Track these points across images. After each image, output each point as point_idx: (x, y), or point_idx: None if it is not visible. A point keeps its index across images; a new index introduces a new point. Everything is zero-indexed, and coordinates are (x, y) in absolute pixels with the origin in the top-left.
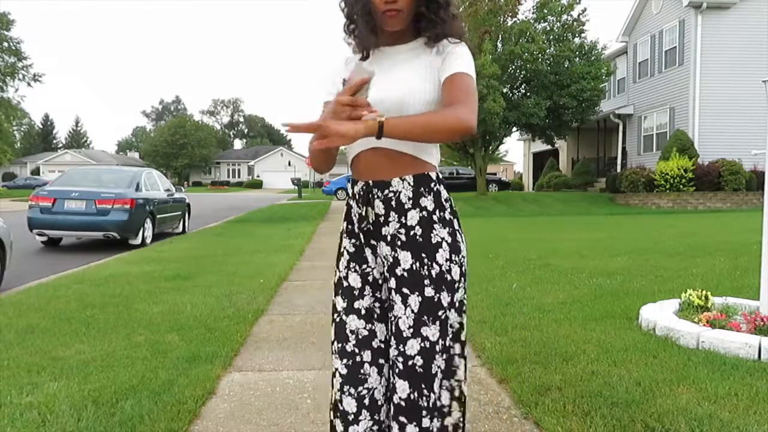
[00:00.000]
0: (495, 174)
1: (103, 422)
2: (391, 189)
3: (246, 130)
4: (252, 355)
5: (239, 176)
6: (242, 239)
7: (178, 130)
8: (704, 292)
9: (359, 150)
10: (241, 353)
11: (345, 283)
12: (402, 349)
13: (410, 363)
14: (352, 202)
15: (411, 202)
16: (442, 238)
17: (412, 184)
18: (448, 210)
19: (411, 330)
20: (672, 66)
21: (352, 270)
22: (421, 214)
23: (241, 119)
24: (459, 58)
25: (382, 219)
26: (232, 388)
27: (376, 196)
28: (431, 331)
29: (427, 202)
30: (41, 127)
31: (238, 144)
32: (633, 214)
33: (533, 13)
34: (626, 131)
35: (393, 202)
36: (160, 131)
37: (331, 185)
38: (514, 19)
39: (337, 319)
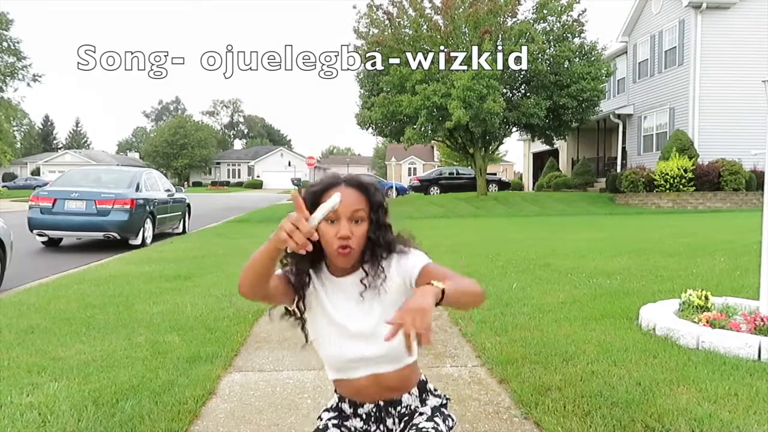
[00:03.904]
0: (495, 174)
1: (103, 422)
2: (403, 405)
3: (246, 131)
4: (252, 356)
5: (239, 176)
6: (242, 239)
7: (178, 131)
8: (704, 292)
9: (359, 375)
10: (242, 353)
11: None
12: None
13: None
14: (354, 420)
15: (420, 406)
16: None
17: (417, 394)
18: (446, 402)
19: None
20: (672, 66)
21: None
22: (431, 409)
23: (241, 119)
24: (414, 257)
25: (394, 427)
26: (232, 388)
27: (389, 415)
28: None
29: (433, 401)
30: (41, 127)
31: (238, 144)
32: (633, 214)
33: (533, 13)
34: (626, 131)
35: (406, 417)
36: (160, 131)
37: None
38: (514, 20)
39: None
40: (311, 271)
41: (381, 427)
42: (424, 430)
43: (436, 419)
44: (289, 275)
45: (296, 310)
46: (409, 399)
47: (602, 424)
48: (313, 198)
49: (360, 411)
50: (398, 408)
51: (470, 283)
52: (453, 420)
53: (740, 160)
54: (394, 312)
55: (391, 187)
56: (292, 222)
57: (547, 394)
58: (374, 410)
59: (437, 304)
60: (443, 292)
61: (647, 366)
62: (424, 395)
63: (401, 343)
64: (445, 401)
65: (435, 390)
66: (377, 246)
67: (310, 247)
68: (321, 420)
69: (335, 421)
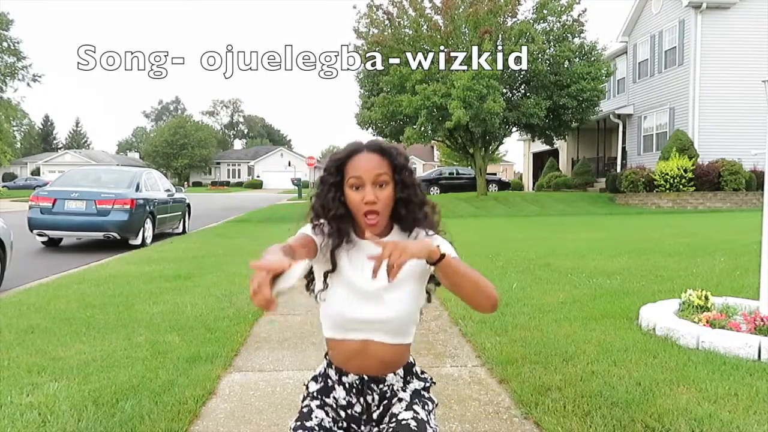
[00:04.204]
0: (495, 174)
1: (103, 422)
2: (386, 384)
3: (246, 131)
4: (252, 356)
5: (239, 176)
6: (242, 239)
7: (178, 131)
8: (704, 292)
9: (351, 338)
10: (242, 353)
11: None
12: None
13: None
14: (338, 389)
15: (402, 390)
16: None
17: (402, 375)
18: (429, 384)
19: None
20: (672, 66)
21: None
22: (411, 394)
23: (241, 119)
24: (443, 243)
25: (373, 407)
26: (232, 388)
27: (371, 390)
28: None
29: (415, 384)
30: (41, 127)
31: (238, 144)
32: (633, 214)
33: (533, 13)
34: (626, 131)
35: (387, 394)
36: (160, 131)
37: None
38: (514, 20)
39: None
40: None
41: (361, 400)
42: (404, 422)
43: (415, 407)
44: (323, 236)
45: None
46: (393, 378)
47: (602, 424)
48: (338, 166)
49: (344, 380)
50: (380, 386)
51: (485, 281)
52: (433, 402)
53: (740, 160)
54: (411, 282)
55: None
56: (254, 287)
57: (547, 394)
58: (357, 382)
59: (432, 263)
60: (443, 256)
61: (647, 366)
62: (408, 377)
63: (405, 316)
64: (428, 384)
65: (422, 373)
66: (408, 203)
67: (273, 308)
68: (307, 390)
69: (318, 402)
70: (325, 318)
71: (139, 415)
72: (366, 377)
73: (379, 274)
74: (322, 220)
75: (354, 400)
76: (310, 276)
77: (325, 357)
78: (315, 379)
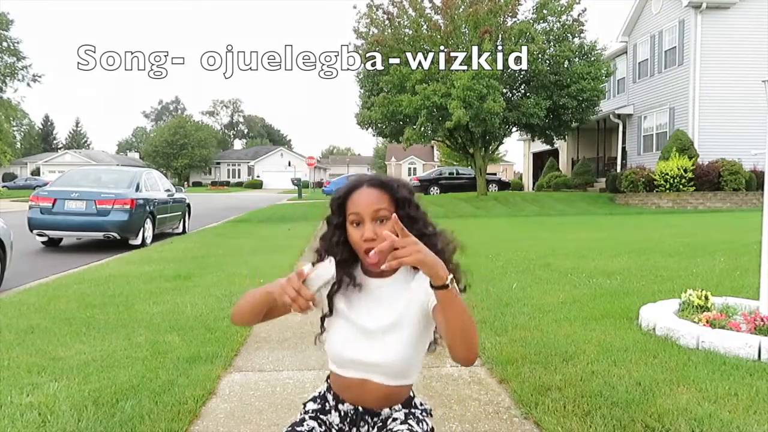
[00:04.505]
0: (495, 174)
1: (103, 422)
2: (381, 417)
3: (246, 131)
4: (252, 356)
5: (239, 176)
6: (242, 239)
7: (178, 131)
8: (704, 292)
9: (350, 375)
10: (241, 353)
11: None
12: None
13: None
14: (333, 414)
15: (399, 422)
16: None
17: (398, 409)
18: (427, 413)
19: None
20: (672, 66)
21: None
22: (406, 413)
23: (241, 119)
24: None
25: None
26: (232, 388)
27: (364, 421)
28: None
29: (414, 425)
30: (41, 127)
31: (238, 144)
32: (633, 214)
33: (533, 13)
34: (626, 131)
35: (379, 425)
36: (160, 132)
37: (331, 185)
38: (514, 20)
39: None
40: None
41: (354, 430)
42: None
43: (409, 421)
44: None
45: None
46: (389, 412)
47: (602, 424)
48: (338, 204)
49: (340, 407)
50: (374, 418)
51: (474, 331)
52: (428, 425)
53: (740, 160)
54: (413, 327)
55: None
56: (294, 288)
57: (547, 394)
58: (352, 412)
59: (434, 286)
60: (446, 286)
61: (647, 366)
62: (406, 410)
63: (400, 362)
64: (426, 413)
65: (421, 404)
66: (419, 237)
67: (312, 308)
68: (304, 408)
69: (312, 414)
70: (328, 352)
71: (139, 415)
72: (361, 409)
73: (381, 316)
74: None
75: (347, 429)
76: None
77: (327, 380)
78: (314, 399)
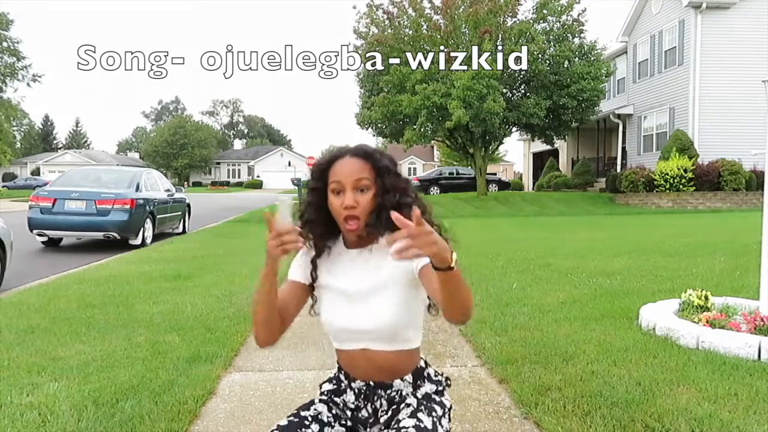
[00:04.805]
0: (495, 174)
1: (103, 422)
2: (393, 389)
3: (246, 130)
4: (252, 355)
5: (239, 176)
6: (242, 239)
7: (178, 131)
8: (704, 292)
9: (349, 347)
10: (241, 353)
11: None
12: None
13: None
14: (348, 392)
15: (411, 394)
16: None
17: (411, 381)
18: (443, 387)
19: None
20: (672, 66)
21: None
22: (419, 398)
23: (241, 119)
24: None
25: (381, 412)
26: (232, 388)
27: (378, 396)
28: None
29: (426, 388)
30: (41, 127)
31: (238, 144)
32: (633, 214)
33: (533, 13)
34: (626, 131)
35: (396, 399)
36: (160, 131)
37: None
38: (514, 20)
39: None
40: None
41: (369, 406)
42: (404, 430)
43: (419, 414)
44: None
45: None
46: (401, 384)
47: (602, 424)
48: (321, 171)
49: (353, 385)
50: (388, 391)
51: (469, 293)
52: (443, 406)
53: (740, 160)
54: (397, 288)
55: None
56: (273, 237)
57: (547, 394)
58: (364, 388)
59: (437, 268)
60: (451, 268)
61: (647, 366)
62: (419, 381)
63: (390, 324)
64: (443, 387)
65: (435, 375)
66: (384, 209)
67: (301, 244)
68: (320, 389)
69: (325, 397)
70: (325, 328)
71: (139, 415)
72: (372, 383)
73: (363, 279)
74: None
75: (362, 405)
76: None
77: (338, 361)
78: (330, 380)
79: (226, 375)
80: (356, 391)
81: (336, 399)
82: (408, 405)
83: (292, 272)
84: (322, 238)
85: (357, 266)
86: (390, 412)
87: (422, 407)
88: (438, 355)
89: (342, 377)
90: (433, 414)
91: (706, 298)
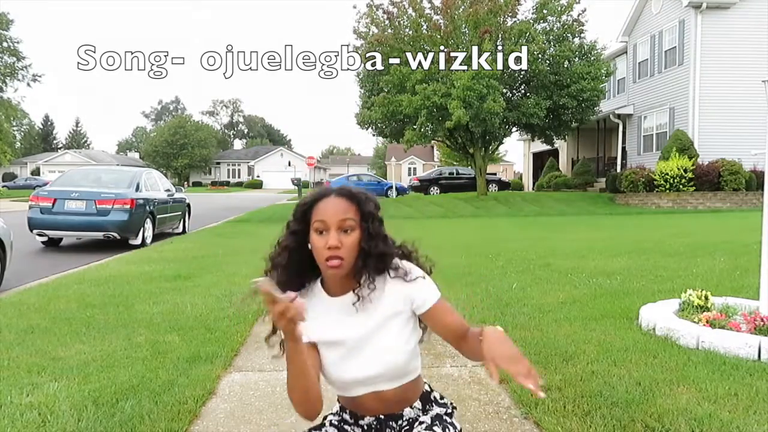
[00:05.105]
0: (495, 174)
1: (103, 422)
2: (404, 419)
3: (246, 130)
4: (252, 355)
5: (239, 176)
6: (242, 239)
7: (178, 131)
8: (704, 292)
9: (360, 393)
10: (242, 353)
11: None
12: None
13: None
14: (356, 430)
15: (420, 418)
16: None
17: (420, 407)
18: (451, 410)
19: None
20: (672, 66)
21: None
22: (432, 417)
23: (241, 119)
24: (426, 288)
25: None
26: (232, 388)
27: (390, 427)
28: None
29: (436, 410)
30: (41, 127)
31: (238, 144)
32: (633, 214)
33: (533, 13)
34: (626, 131)
35: (406, 427)
36: (160, 131)
37: (331, 185)
38: (514, 20)
39: None
40: (305, 289)
41: None
42: None
43: (435, 428)
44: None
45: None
46: (411, 412)
47: (602, 424)
48: (303, 211)
49: (360, 422)
50: (399, 421)
51: None
52: (455, 428)
53: (740, 160)
54: (397, 324)
55: (391, 187)
56: (277, 316)
57: (547, 394)
58: (374, 423)
59: None
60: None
61: (647, 366)
62: (427, 406)
63: (398, 363)
64: (450, 410)
65: (441, 399)
66: (369, 257)
67: (302, 307)
68: (324, 418)
69: (335, 423)
70: (325, 379)
71: (139, 415)
72: (383, 417)
73: (361, 324)
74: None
75: None
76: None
77: (338, 400)
78: (331, 423)
79: (226, 375)
80: (365, 427)
81: (346, 428)
82: (421, 422)
83: (308, 331)
84: (293, 285)
85: (349, 313)
86: None
87: (436, 423)
88: (438, 356)
89: (346, 417)
90: (447, 430)
91: (706, 298)
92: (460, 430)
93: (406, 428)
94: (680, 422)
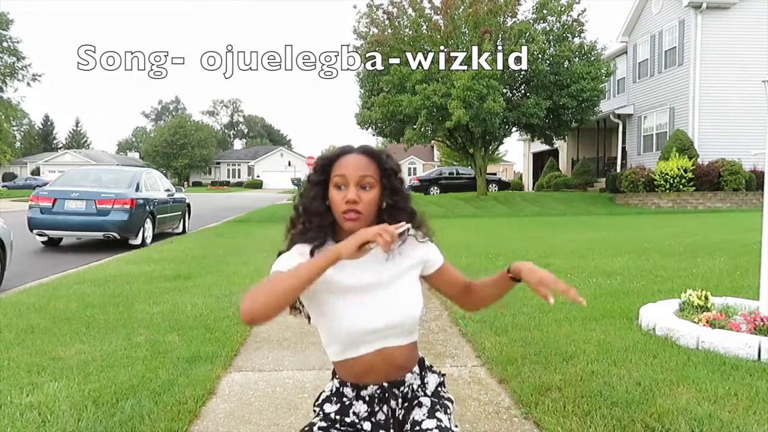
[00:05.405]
0: (495, 174)
1: (103, 422)
2: (406, 384)
3: (246, 130)
4: (252, 355)
5: (239, 176)
6: (242, 239)
7: (178, 131)
8: (704, 292)
9: (368, 350)
10: (241, 353)
11: None
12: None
13: None
14: (357, 403)
15: (421, 389)
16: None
17: (418, 372)
18: (443, 378)
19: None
20: (672, 66)
21: None
22: (431, 396)
23: (241, 119)
24: (436, 249)
25: (397, 411)
26: (232, 388)
27: (393, 396)
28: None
29: (431, 379)
30: (41, 127)
31: (238, 144)
32: (633, 214)
33: (533, 13)
34: (626, 131)
35: (409, 396)
36: (160, 131)
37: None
38: (514, 20)
39: None
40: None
41: (385, 408)
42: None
43: (438, 414)
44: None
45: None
46: (411, 378)
47: (602, 424)
48: (324, 165)
49: (363, 393)
50: (401, 388)
51: None
52: (451, 402)
53: (740, 160)
54: (412, 273)
55: None
56: (380, 230)
57: (547, 394)
58: (378, 392)
59: (515, 280)
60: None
61: (647, 366)
62: (423, 372)
63: (414, 315)
64: (442, 378)
65: (432, 366)
66: (396, 210)
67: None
68: (321, 408)
69: (325, 423)
70: (332, 337)
71: (139, 415)
72: (386, 384)
73: (380, 271)
74: (303, 235)
75: (377, 409)
76: (302, 303)
77: (333, 377)
78: (329, 399)
79: (226, 375)
80: (367, 398)
81: (346, 419)
82: (422, 405)
83: (289, 265)
84: (321, 230)
85: (366, 261)
86: (404, 410)
87: (437, 406)
88: (438, 355)
89: (347, 391)
90: (448, 411)
91: (706, 298)
92: (453, 401)
93: (408, 399)
94: (680, 422)
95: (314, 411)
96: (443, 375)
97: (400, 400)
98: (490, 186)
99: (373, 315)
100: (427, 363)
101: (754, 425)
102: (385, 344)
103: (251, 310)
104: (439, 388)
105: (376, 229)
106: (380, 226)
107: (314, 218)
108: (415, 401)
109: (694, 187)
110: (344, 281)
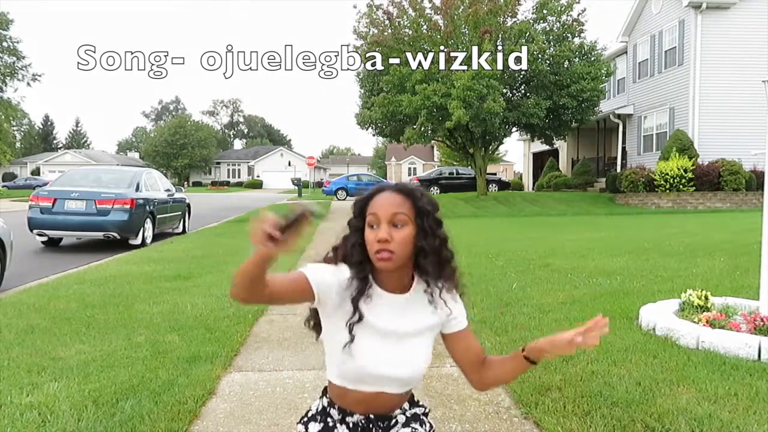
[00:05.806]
0: (495, 174)
1: (103, 422)
2: (392, 421)
3: (246, 130)
4: (252, 355)
5: (239, 176)
6: (242, 239)
7: (178, 131)
8: (704, 292)
9: (366, 390)
10: (241, 353)
11: None
12: None
13: None
14: (340, 428)
15: (405, 421)
16: None
17: (407, 407)
18: (428, 410)
19: None
20: (672, 66)
21: None
22: (408, 416)
23: (241, 119)
24: (463, 307)
25: None
26: (232, 388)
27: (377, 427)
28: None
29: (414, 410)
30: (41, 127)
31: (238, 144)
32: (633, 214)
33: (533, 13)
34: (626, 131)
35: (390, 425)
36: (160, 131)
37: (331, 185)
38: (514, 20)
39: None
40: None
41: None
42: None
43: (413, 425)
44: (339, 282)
45: (314, 313)
46: (398, 412)
47: (602, 424)
48: (361, 207)
49: (348, 420)
50: (387, 422)
51: None
52: (432, 426)
53: (740, 160)
54: (428, 334)
55: None
56: (262, 229)
57: (547, 394)
58: (363, 421)
59: (530, 361)
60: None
61: (647, 366)
62: (411, 408)
63: (421, 373)
64: (426, 410)
65: (419, 401)
66: (424, 254)
67: (276, 234)
68: (305, 427)
69: (320, 418)
70: (338, 368)
71: (139, 415)
72: (372, 416)
73: (402, 323)
74: (339, 264)
75: None
76: (316, 319)
77: (323, 395)
78: (314, 419)
79: (226, 375)
80: (350, 425)
81: (331, 424)
82: (397, 422)
83: (315, 274)
84: (364, 277)
85: (395, 310)
86: None
87: (413, 420)
88: (438, 356)
89: (333, 413)
90: (423, 427)
91: (706, 298)
92: (434, 430)
93: (390, 428)
94: (680, 422)
95: (297, 429)
96: (428, 409)
97: (381, 431)
98: (490, 186)
99: (385, 363)
100: (416, 398)
101: (754, 425)
102: (384, 389)
103: (231, 291)
104: (422, 416)
105: (254, 227)
106: (257, 222)
107: (353, 268)
108: (393, 423)
109: (694, 187)
110: (374, 322)
